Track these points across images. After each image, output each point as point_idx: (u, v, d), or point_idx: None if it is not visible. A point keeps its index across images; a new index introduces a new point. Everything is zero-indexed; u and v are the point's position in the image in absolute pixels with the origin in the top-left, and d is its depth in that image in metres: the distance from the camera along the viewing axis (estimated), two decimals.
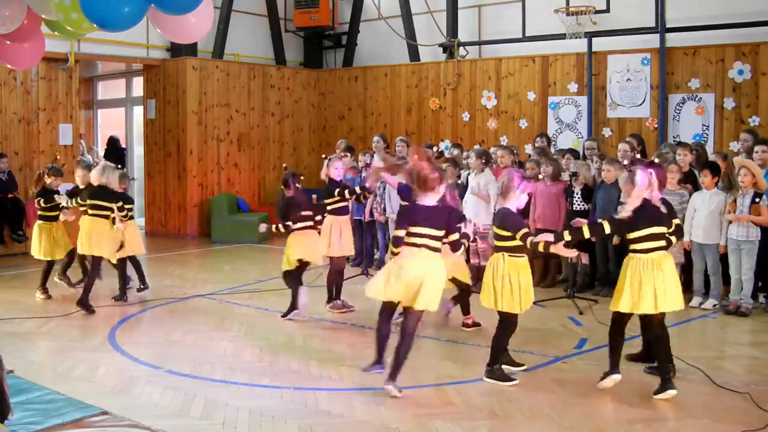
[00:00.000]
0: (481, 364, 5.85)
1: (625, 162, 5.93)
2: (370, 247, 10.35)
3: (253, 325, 7.50)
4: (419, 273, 5.35)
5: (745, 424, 4.81)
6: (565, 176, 9.27)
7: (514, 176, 5.71)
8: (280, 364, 6.21)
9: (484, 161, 9.21)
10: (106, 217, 8.00)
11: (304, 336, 7.10)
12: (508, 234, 5.55)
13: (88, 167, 8.76)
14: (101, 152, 16.58)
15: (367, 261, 10.04)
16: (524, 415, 5.05)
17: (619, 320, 5.56)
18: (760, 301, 8.05)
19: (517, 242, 5.53)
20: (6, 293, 8.90)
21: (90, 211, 7.99)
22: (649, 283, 5.29)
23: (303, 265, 7.75)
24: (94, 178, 8.03)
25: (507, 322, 5.70)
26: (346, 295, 8.13)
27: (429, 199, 5.44)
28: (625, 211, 5.39)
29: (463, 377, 5.81)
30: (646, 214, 5.39)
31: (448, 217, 5.47)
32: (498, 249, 5.69)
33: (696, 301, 8.11)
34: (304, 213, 7.77)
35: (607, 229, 5.50)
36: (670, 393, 5.30)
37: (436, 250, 5.45)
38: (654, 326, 5.48)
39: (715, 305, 8.02)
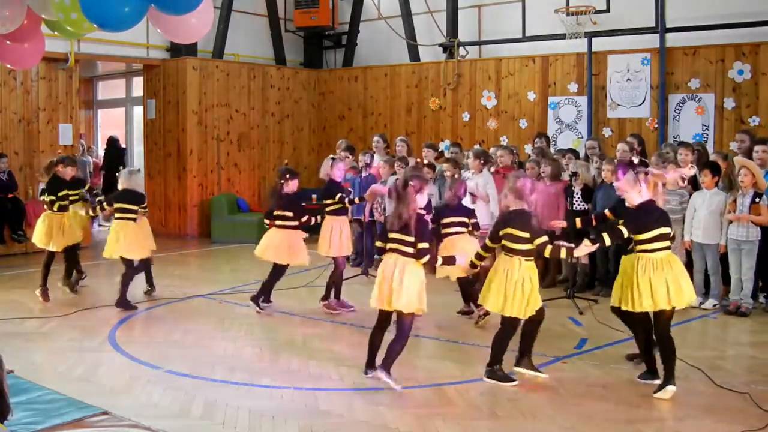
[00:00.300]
0: (481, 364, 5.86)
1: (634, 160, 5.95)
2: (370, 247, 10.33)
3: (253, 325, 7.50)
4: (389, 275, 5.49)
5: (745, 424, 4.81)
6: (565, 176, 9.27)
7: (527, 180, 5.68)
8: (280, 364, 6.21)
9: (482, 161, 9.21)
10: (134, 219, 8.17)
11: (304, 336, 7.11)
12: (527, 236, 5.49)
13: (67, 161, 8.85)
14: (101, 152, 16.60)
15: (367, 261, 10.02)
16: (524, 415, 5.05)
17: (640, 318, 5.59)
18: (760, 301, 8.06)
19: (532, 246, 5.50)
20: (6, 293, 8.90)
21: (118, 215, 8.16)
22: (661, 280, 5.35)
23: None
24: (122, 182, 8.26)
25: (510, 326, 5.66)
26: (346, 296, 8.13)
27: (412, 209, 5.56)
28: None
29: (463, 377, 5.81)
30: (656, 214, 5.51)
31: (416, 225, 5.50)
32: (512, 251, 5.54)
33: (696, 301, 8.10)
34: (285, 213, 7.84)
35: (626, 234, 5.51)
36: (670, 390, 5.31)
37: (408, 255, 5.49)
38: (662, 324, 5.48)
39: (715, 305, 8.02)
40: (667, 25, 11.33)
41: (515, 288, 5.48)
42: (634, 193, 5.53)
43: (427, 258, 5.52)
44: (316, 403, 5.24)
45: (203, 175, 13.86)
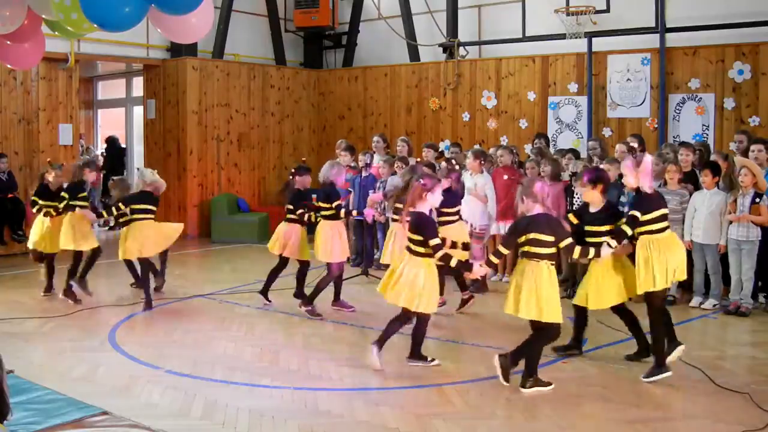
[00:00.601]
0: (481, 364, 5.86)
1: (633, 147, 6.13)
2: (370, 248, 10.35)
3: (253, 325, 7.50)
4: (396, 270, 5.87)
5: (745, 424, 4.81)
6: (566, 176, 9.27)
7: (543, 183, 5.61)
8: (280, 364, 6.21)
9: (481, 162, 9.21)
10: (154, 219, 8.25)
11: (304, 336, 7.10)
12: (552, 240, 5.42)
13: (93, 165, 8.80)
14: (98, 152, 16.60)
15: (367, 261, 10.03)
16: (524, 415, 5.05)
17: (661, 300, 5.76)
18: (760, 301, 8.06)
19: (554, 249, 5.45)
20: (6, 293, 8.90)
21: (138, 216, 8.07)
22: (673, 258, 5.66)
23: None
24: (143, 183, 8.26)
25: (553, 331, 5.55)
26: (345, 296, 8.13)
27: (420, 207, 5.88)
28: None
29: (463, 377, 5.81)
30: (656, 194, 5.81)
31: (424, 222, 5.79)
32: (538, 256, 5.42)
33: (696, 301, 8.11)
34: (288, 206, 8.05)
35: (640, 216, 5.64)
36: (681, 348, 5.66)
37: (416, 253, 5.81)
38: (658, 300, 5.73)
39: (715, 305, 8.02)
40: (667, 25, 11.33)
41: (548, 293, 5.40)
42: (634, 177, 5.72)
43: (441, 253, 5.70)
44: (316, 403, 5.24)
45: (203, 175, 13.86)
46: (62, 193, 8.32)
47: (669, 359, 5.72)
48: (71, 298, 8.29)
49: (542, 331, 5.54)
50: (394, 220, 7.40)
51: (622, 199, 8.28)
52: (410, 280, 5.76)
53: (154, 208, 8.20)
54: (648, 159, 5.78)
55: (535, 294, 5.39)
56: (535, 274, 5.41)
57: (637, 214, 5.63)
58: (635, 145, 6.03)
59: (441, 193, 6.03)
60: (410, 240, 5.87)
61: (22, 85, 11.88)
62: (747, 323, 7.58)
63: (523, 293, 5.41)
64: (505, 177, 9.27)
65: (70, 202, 8.24)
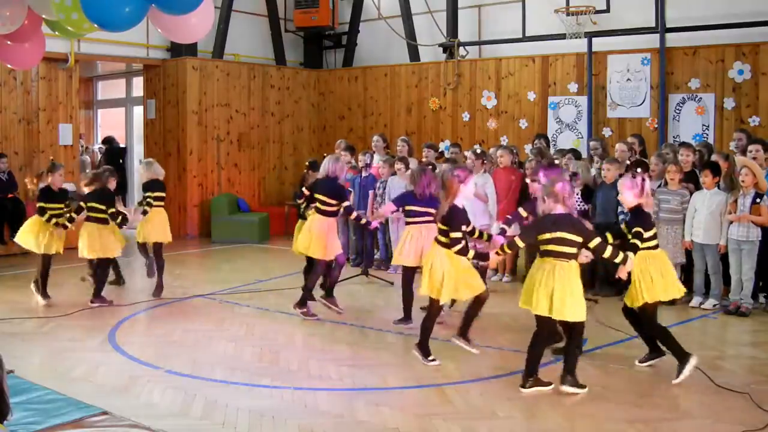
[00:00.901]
0: (481, 364, 5.85)
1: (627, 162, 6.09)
2: (370, 248, 10.35)
3: (253, 325, 7.50)
4: (426, 262, 6.11)
5: (745, 424, 4.80)
6: (565, 176, 9.25)
7: (565, 183, 5.49)
8: (280, 364, 6.21)
9: (483, 161, 9.22)
10: (163, 206, 8.67)
11: (304, 336, 7.10)
12: (580, 240, 5.34)
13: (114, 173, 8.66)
14: (95, 148, 16.62)
15: (367, 261, 10.03)
16: (524, 415, 5.05)
17: (652, 311, 5.80)
18: (760, 301, 8.05)
19: (576, 249, 5.38)
20: (6, 293, 8.90)
21: (156, 203, 8.56)
22: (668, 273, 5.80)
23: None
24: (146, 174, 8.63)
25: (580, 331, 5.57)
26: (344, 296, 8.12)
27: (456, 200, 6.02)
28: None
29: (463, 377, 5.81)
30: (650, 214, 5.91)
31: (448, 215, 5.95)
32: (566, 255, 5.33)
33: (696, 301, 8.11)
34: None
35: (646, 234, 5.73)
36: (692, 364, 5.63)
37: (442, 244, 5.98)
38: (649, 311, 5.80)
39: (715, 305, 8.01)
40: (667, 25, 11.33)
41: (578, 293, 5.36)
42: (631, 194, 5.77)
43: (458, 247, 5.86)
44: (316, 403, 5.24)
45: (203, 175, 13.86)
46: (92, 203, 8.12)
47: (641, 364, 5.97)
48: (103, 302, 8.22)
49: (574, 329, 5.53)
50: (408, 223, 7.30)
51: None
52: (437, 270, 5.96)
53: (164, 195, 8.70)
54: (648, 184, 5.87)
55: (570, 294, 5.31)
56: (567, 274, 5.31)
57: (641, 230, 5.72)
58: (635, 171, 6.00)
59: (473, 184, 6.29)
60: (440, 231, 6.05)
61: (22, 85, 11.88)
62: (747, 323, 7.58)
63: (556, 294, 5.29)
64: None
65: (120, 216, 8.14)
